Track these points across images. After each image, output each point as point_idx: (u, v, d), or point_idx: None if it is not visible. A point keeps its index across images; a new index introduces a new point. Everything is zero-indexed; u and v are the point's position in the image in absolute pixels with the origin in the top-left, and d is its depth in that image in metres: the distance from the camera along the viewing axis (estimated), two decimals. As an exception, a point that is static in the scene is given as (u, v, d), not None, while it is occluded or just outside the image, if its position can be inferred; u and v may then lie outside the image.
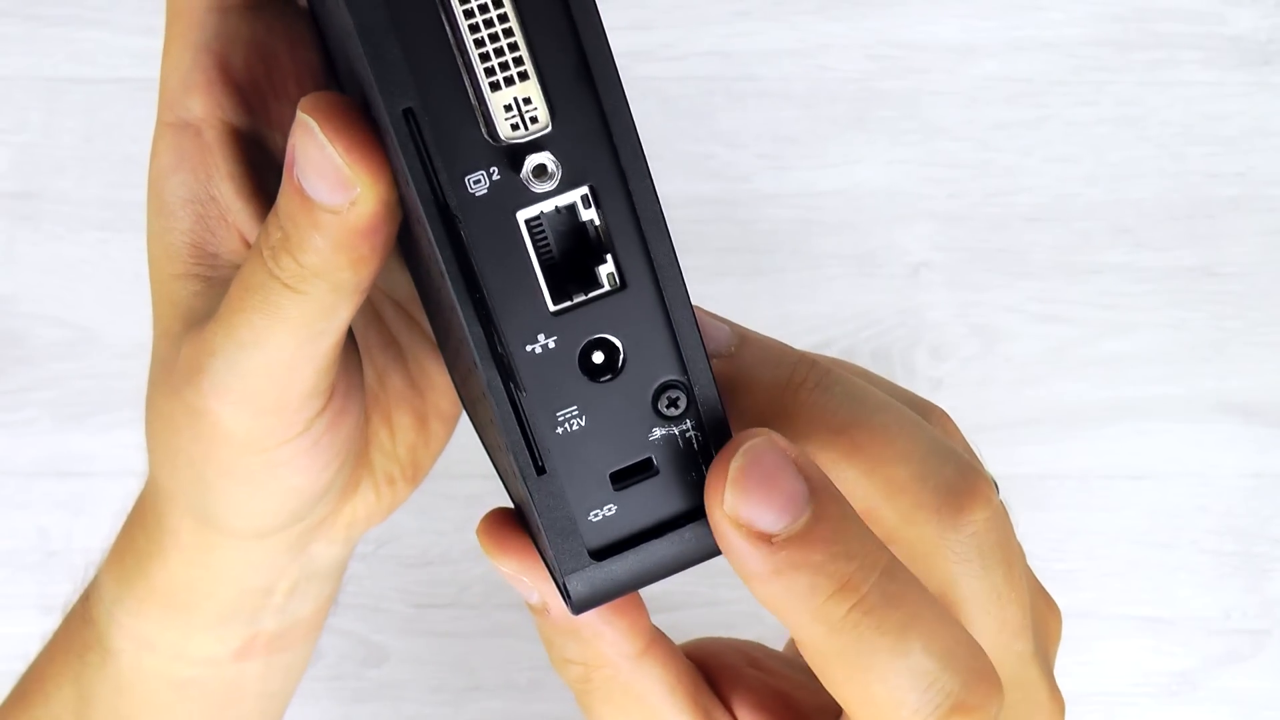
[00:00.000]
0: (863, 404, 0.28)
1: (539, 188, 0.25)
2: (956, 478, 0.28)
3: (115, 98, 0.67)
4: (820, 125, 0.68)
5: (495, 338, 0.25)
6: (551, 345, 0.25)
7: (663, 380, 0.26)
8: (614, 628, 0.29)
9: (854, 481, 0.28)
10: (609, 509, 0.26)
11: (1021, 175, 0.68)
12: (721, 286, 0.67)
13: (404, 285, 0.38)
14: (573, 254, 0.25)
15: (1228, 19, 0.69)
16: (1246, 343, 0.67)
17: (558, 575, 0.27)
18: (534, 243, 0.25)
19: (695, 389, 0.26)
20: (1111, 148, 0.68)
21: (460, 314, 0.25)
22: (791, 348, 0.30)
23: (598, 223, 0.25)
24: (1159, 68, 0.69)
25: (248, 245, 0.33)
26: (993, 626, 0.29)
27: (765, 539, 0.25)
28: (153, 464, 0.36)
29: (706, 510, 0.26)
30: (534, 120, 0.24)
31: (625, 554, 0.27)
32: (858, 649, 0.25)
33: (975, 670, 0.26)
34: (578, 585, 0.27)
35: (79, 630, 0.40)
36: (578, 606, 0.27)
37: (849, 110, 0.68)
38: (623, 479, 0.26)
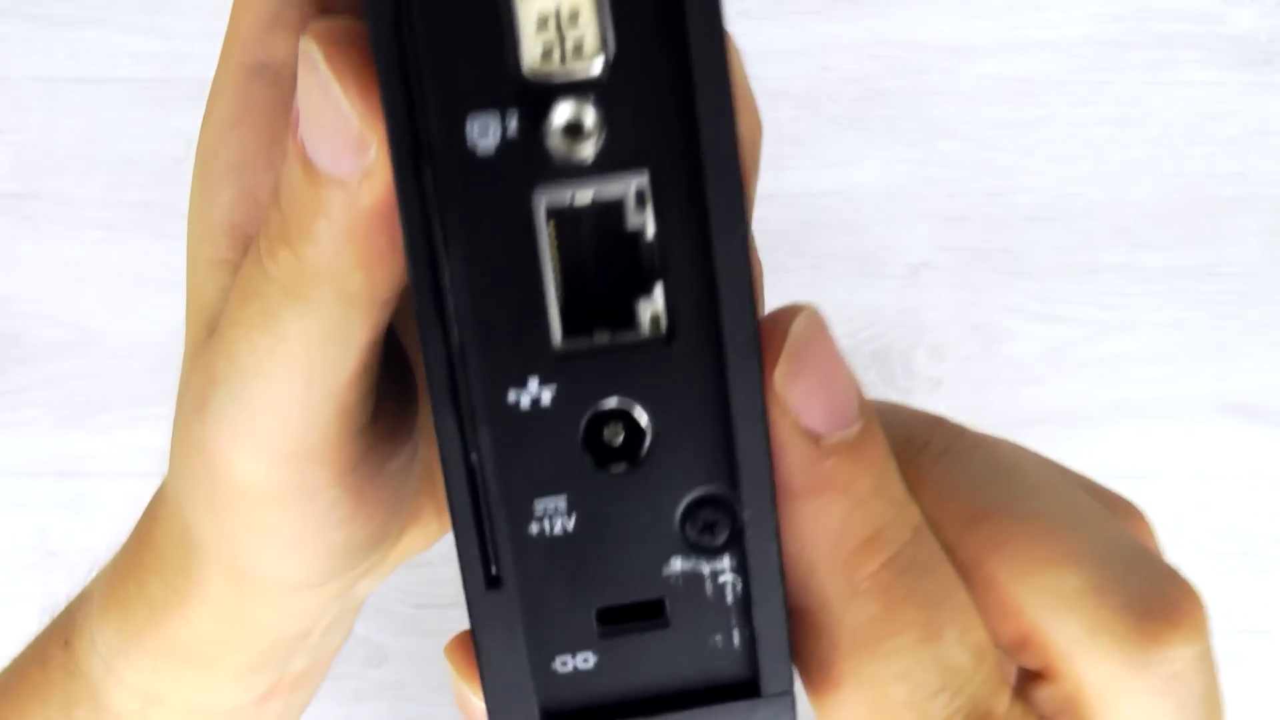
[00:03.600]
0: (1013, 480, 0.22)
1: (570, 155, 0.17)
2: (1152, 591, 0.21)
3: (115, 97, 0.67)
4: (820, 125, 0.68)
5: (460, 367, 0.18)
6: (547, 400, 0.18)
7: (701, 492, 0.19)
8: None
9: (1001, 588, 0.21)
10: (585, 659, 0.19)
11: (1021, 175, 0.68)
12: (721, 286, 0.66)
13: None
14: (606, 272, 0.18)
15: (1228, 19, 0.69)
16: (1246, 343, 0.67)
17: None
18: (557, 243, 0.17)
19: (747, 516, 0.19)
20: (1111, 148, 0.68)
21: (417, 313, 0.18)
22: (906, 406, 0.23)
23: (651, 233, 0.17)
24: (1159, 68, 0.69)
25: None
26: None
27: (812, 438, 0.19)
28: (179, 502, 0.30)
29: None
30: (578, 49, 0.16)
31: None
32: (881, 622, 0.20)
33: (1003, 678, 0.21)
34: None
35: (61, 683, 0.34)
36: None
37: (849, 110, 0.68)
38: (616, 621, 0.19)
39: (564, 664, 0.19)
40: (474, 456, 0.18)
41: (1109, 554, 0.21)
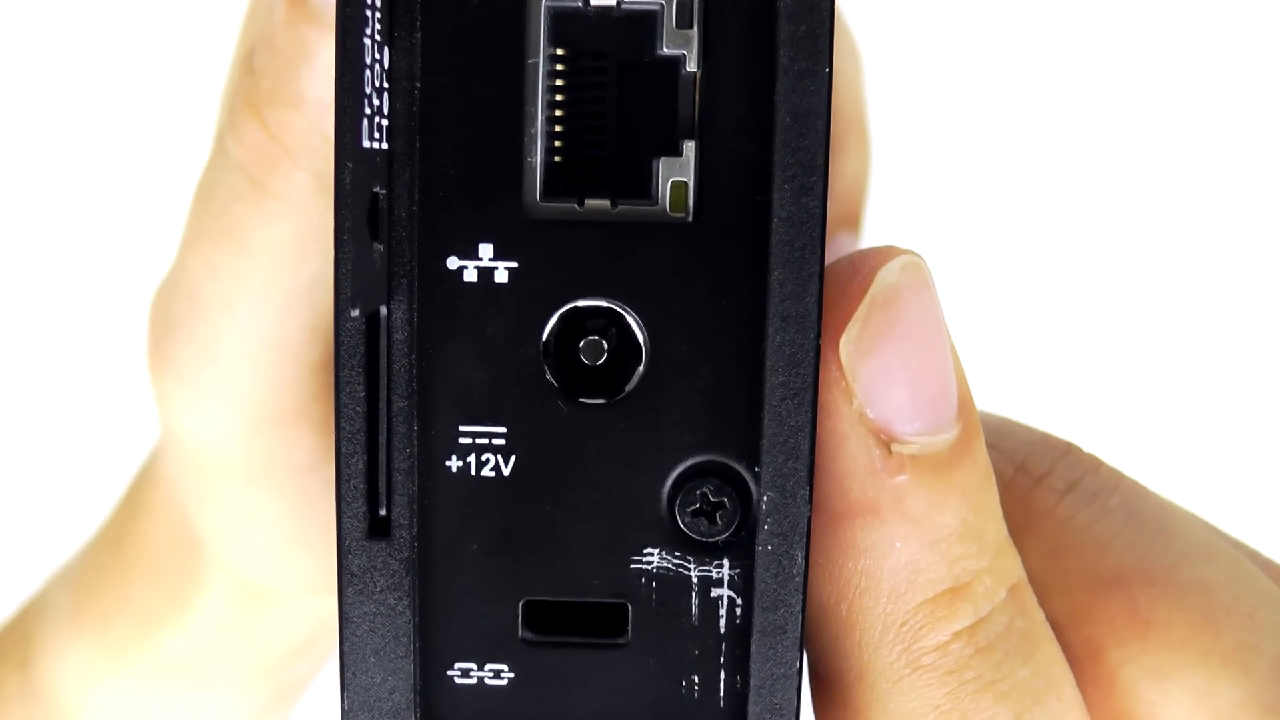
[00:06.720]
0: (1166, 539, 0.16)
1: None
2: None
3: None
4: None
5: (387, 194, 0.13)
6: (502, 277, 0.13)
7: (705, 458, 0.13)
8: None
9: (1128, 691, 0.16)
10: (496, 672, 0.13)
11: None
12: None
13: None
14: (618, 113, 0.13)
15: None
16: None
17: None
18: (553, 59, 0.13)
19: (766, 505, 0.13)
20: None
21: (336, 98, 0.13)
22: (1022, 423, 0.18)
23: (694, 63, 0.12)
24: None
25: None
26: None
27: (882, 439, 0.14)
28: (174, 486, 0.25)
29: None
30: None
31: None
32: (944, 716, 0.14)
33: None
34: None
35: (20, 713, 0.29)
36: None
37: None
38: (551, 625, 0.14)
39: (465, 674, 0.13)
40: (383, 335, 0.12)
41: None
